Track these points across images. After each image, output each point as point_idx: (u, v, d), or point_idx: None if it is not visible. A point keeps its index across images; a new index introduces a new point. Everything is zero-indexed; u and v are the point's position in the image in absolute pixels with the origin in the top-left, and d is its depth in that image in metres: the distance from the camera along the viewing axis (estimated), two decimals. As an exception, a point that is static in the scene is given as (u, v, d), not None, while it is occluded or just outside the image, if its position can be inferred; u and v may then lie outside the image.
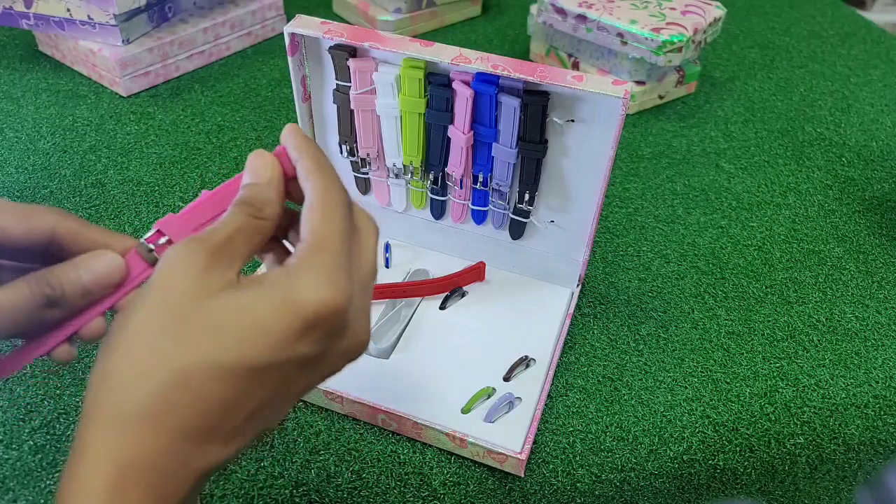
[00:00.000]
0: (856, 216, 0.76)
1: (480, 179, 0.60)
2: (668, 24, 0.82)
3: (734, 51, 1.05)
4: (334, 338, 0.30)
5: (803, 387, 0.58)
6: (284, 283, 0.29)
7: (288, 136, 0.33)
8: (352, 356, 0.32)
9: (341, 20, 1.08)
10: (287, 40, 0.56)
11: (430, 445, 0.52)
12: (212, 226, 0.31)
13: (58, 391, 0.54)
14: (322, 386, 0.52)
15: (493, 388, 0.53)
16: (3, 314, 0.30)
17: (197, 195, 0.34)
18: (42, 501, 0.47)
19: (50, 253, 0.33)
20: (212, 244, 0.30)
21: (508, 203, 0.62)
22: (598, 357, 0.59)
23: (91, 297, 0.32)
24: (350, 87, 0.58)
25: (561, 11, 0.87)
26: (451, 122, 0.57)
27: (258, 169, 0.33)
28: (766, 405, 0.56)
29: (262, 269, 0.60)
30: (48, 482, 0.48)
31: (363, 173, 0.65)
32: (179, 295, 0.28)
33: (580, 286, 0.62)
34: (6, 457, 0.50)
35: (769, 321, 0.63)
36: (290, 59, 0.57)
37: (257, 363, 0.28)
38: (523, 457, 0.49)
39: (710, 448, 0.53)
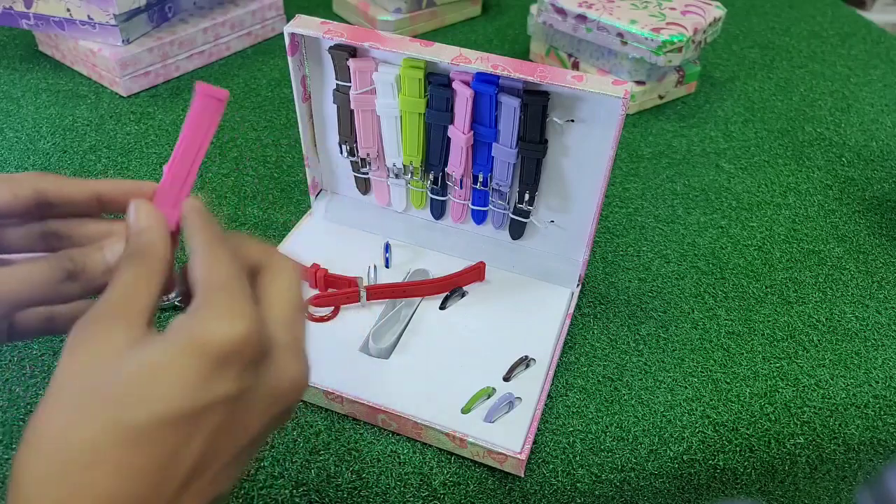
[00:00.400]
0: (856, 216, 0.76)
1: (480, 179, 0.60)
2: (668, 24, 0.82)
3: (734, 51, 1.05)
4: (257, 371, 0.28)
5: (803, 387, 0.58)
6: (185, 327, 0.27)
7: (187, 213, 0.32)
8: (289, 396, 0.30)
9: (341, 20, 1.08)
10: (287, 40, 0.56)
11: (430, 445, 0.52)
12: (108, 290, 0.29)
13: (58, 391, 0.54)
14: (322, 386, 0.52)
15: (493, 388, 0.53)
16: (23, 285, 0.31)
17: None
18: (42, 501, 0.47)
19: (40, 215, 0.34)
20: (105, 309, 0.28)
21: (508, 203, 0.62)
22: (598, 357, 0.59)
23: (111, 272, 0.32)
24: (350, 87, 0.58)
25: (561, 11, 0.87)
26: (451, 122, 0.57)
27: (137, 219, 0.32)
28: (766, 405, 0.56)
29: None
30: (48, 482, 0.48)
31: (363, 173, 0.65)
32: (80, 368, 0.27)
33: (580, 286, 0.62)
34: (6, 457, 0.50)
35: (769, 321, 0.63)
36: (290, 59, 0.57)
37: (172, 413, 0.26)
38: (523, 457, 0.49)
39: (710, 448, 0.53)
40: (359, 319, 0.58)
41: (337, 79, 0.59)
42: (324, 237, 0.66)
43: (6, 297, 0.30)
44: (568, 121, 0.54)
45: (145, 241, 0.31)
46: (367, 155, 0.62)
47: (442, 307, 0.60)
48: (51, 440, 0.26)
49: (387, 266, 0.64)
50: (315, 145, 0.65)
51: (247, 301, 0.29)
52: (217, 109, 0.33)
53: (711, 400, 0.56)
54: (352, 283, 0.59)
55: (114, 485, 0.25)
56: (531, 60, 0.98)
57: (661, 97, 0.91)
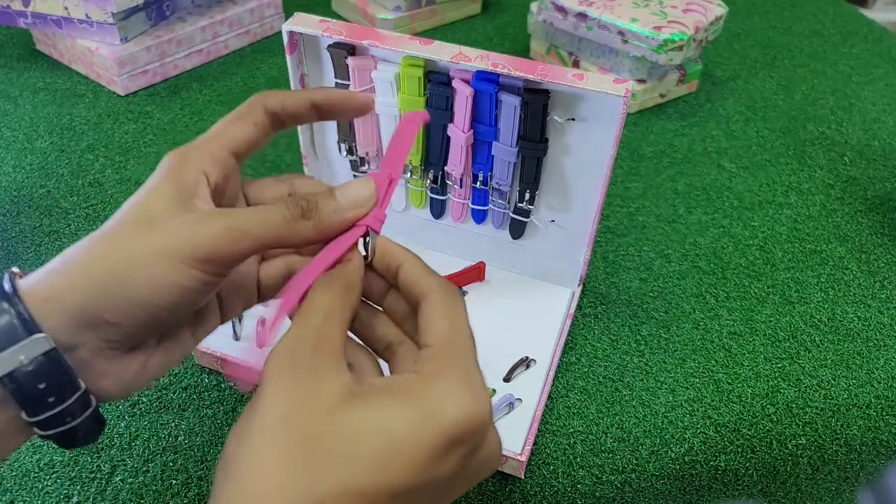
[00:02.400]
0: (858, 216, 0.75)
1: (480, 178, 0.60)
2: (669, 22, 0.82)
3: (735, 49, 1.05)
4: (475, 452, 0.28)
5: (805, 387, 0.58)
6: (422, 395, 0.27)
7: (383, 245, 0.33)
8: (488, 469, 0.30)
9: (340, 18, 1.07)
10: (286, 38, 0.55)
11: (430, 446, 0.52)
12: (300, 315, 0.29)
13: (55, 392, 0.53)
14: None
15: (493, 389, 0.53)
16: (263, 222, 0.31)
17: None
18: (39, 502, 0.47)
19: (275, 130, 0.36)
20: (311, 341, 0.28)
21: (508, 202, 0.61)
22: (598, 358, 0.59)
23: (340, 214, 0.32)
24: (349, 85, 0.58)
25: (561, 9, 0.87)
26: (451, 120, 0.57)
27: (353, 256, 0.32)
28: (768, 406, 0.56)
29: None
30: (46, 483, 0.48)
31: (362, 172, 0.64)
32: (298, 413, 0.26)
33: (581, 286, 0.62)
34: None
35: (771, 321, 0.63)
36: (288, 57, 0.57)
37: (401, 486, 0.26)
38: (523, 458, 0.49)
39: (712, 449, 0.53)
40: (358, 319, 0.58)
41: (336, 77, 0.58)
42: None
43: (250, 232, 0.30)
44: (568, 119, 0.54)
45: (353, 276, 0.31)
46: (366, 154, 0.62)
47: (442, 307, 0.59)
48: (277, 490, 0.25)
49: (386, 266, 0.63)
50: (314, 144, 0.65)
51: (482, 380, 0.28)
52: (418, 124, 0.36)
53: (713, 401, 0.56)
54: (351, 282, 0.59)
55: None
56: (531, 59, 0.97)
57: (662, 96, 0.90)
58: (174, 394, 0.53)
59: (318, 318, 0.29)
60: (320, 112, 0.36)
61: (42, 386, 0.29)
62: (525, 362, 0.55)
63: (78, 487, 0.48)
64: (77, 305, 0.29)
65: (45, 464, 0.49)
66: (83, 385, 0.30)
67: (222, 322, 0.37)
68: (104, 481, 0.48)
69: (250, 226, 0.30)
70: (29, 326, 0.28)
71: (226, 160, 0.34)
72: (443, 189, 0.63)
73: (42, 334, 0.28)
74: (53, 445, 0.50)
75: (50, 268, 0.30)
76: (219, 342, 0.53)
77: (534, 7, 0.93)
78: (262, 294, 0.37)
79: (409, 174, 0.62)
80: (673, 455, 0.52)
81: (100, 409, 0.32)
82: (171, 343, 0.34)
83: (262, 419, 0.26)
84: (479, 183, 0.60)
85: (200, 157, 0.33)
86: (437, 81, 0.55)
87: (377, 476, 0.25)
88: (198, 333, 0.36)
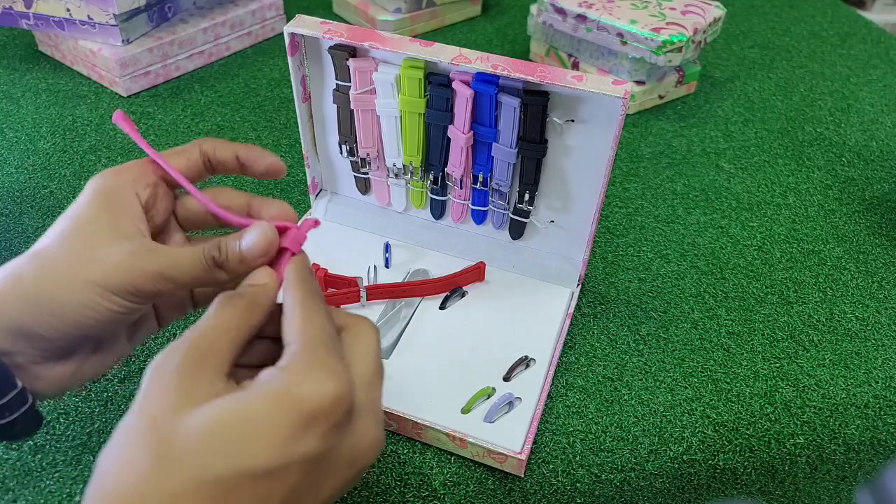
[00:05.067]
0: (856, 216, 0.76)
1: (480, 179, 0.60)
2: (668, 24, 0.82)
3: (734, 51, 1.05)
4: (341, 433, 0.28)
5: (803, 387, 0.58)
6: (280, 380, 0.28)
7: (291, 266, 0.34)
8: (365, 458, 0.30)
9: (341, 20, 1.08)
10: (287, 40, 0.56)
11: (430, 445, 0.52)
12: (196, 326, 0.30)
13: (58, 391, 0.54)
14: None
15: (493, 388, 0.53)
16: (182, 268, 0.33)
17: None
18: (42, 501, 0.47)
19: (209, 173, 0.39)
20: (193, 351, 0.29)
21: (508, 203, 0.62)
22: (597, 357, 0.59)
23: (246, 264, 0.34)
24: (350, 87, 0.58)
25: (561, 11, 0.87)
26: (451, 121, 0.57)
27: (256, 274, 0.33)
28: (766, 405, 0.56)
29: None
30: (48, 482, 0.48)
31: (363, 173, 0.65)
32: (161, 413, 0.27)
33: (580, 286, 0.62)
34: (6, 457, 0.50)
35: (769, 321, 0.63)
36: (289, 59, 0.57)
37: (259, 467, 0.26)
38: (523, 457, 0.49)
39: (710, 448, 0.53)
40: (359, 319, 0.58)
41: (337, 79, 0.59)
42: (324, 237, 0.66)
43: (173, 277, 0.33)
44: (568, 121, 0.54)
45: (259, 297, 0.32)
46: (367, 155, 0.62)
47: (442, 307, 0.60)
48: (134, 489, 0.25)
49: (387, 266, 0.63)
50: (315, 145, 0.65)
51: (341, 362, 0.29)
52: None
53: (711, 400, 0.56)
54: (352, 283, 0.59)
55: None
56: (531, 60, 0.98)
57: (661, 97, 0.91)
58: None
59: (212, 331, 0.30)
60: (242, 166, 0.39)
61: None
62: (525, 361, 0.55)
63: (80, 486, 0.48)
64: (13, 319, 0.32)
65: (47, 463, 0.49)
66: (20, 384, 0.33)
67: (160, 328, 0.40)
68: (107, 480, 0.48)
69: (174, 272, 0.33)
70: None
71: (156, 183, 0.37)
72: (443, 190, 0.63)
73: None
74: (56, 445, 0.50)
75: None
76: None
77: (533, 9, 0.93)
78: (196, 303, 0.40)
79: (409, 175, 0.62)
80: (672, 454, 0.52)
81: (37, 406, 0.34)
82: (106, 350, 0.37)
83: (127, 424, 0.27)
84: (479, 184, 0.61)
85: (132, 178, 0.36)
86: (437, 83, 0.55)
87: (233, 459, 0.25)
88: (134, 340, 0.38)
